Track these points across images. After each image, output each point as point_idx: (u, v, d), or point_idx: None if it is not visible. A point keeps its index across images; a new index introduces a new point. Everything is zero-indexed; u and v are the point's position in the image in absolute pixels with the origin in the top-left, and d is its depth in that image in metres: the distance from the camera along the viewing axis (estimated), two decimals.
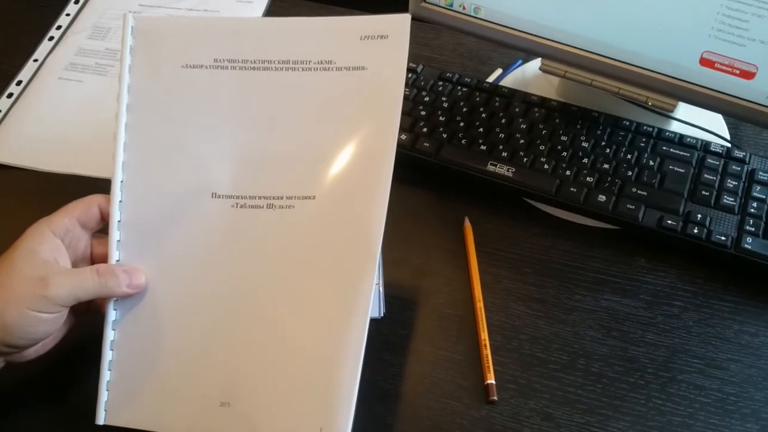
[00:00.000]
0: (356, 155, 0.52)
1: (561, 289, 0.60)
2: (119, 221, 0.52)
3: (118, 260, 0.52)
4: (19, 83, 0.77)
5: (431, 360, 0.57)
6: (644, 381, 0.55)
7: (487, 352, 0.56)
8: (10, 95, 0.76)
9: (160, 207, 0.52)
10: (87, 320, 0.52)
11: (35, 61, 0.80)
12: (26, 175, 0.69)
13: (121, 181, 0.52)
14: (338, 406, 0.48)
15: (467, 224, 0.64)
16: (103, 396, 0.50)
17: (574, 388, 0.55)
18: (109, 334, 0.51)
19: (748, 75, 0.58)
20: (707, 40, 0.58)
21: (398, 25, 0.53)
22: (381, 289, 0.60)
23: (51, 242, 0.49)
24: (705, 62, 0.59)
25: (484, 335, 0.57)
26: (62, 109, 0.75)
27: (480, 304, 0.58)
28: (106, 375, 0.50)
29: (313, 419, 0.48)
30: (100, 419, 0.50)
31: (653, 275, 0.61)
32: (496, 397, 0.54)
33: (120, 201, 0.52)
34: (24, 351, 0.50)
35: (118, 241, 0.51)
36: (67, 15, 0.85)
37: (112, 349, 0.51)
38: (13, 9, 0.87)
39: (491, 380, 0.55)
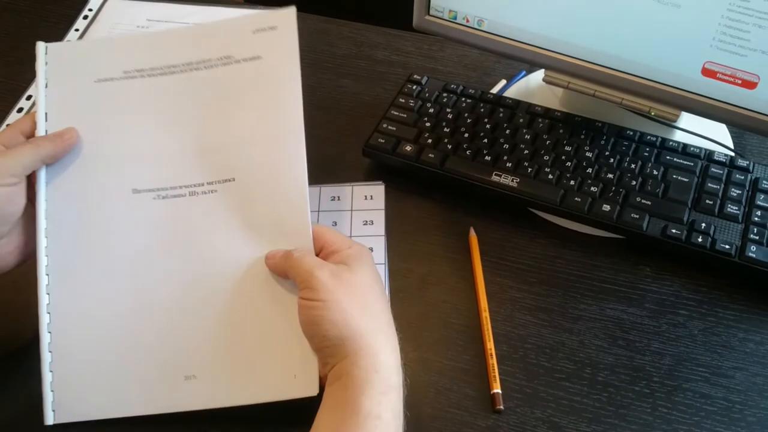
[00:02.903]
0: (267, 136, 0.56)
1: (566, 298, 0.61)
2: (45, 228, 0.55)
3: (46, 265, 0.54)
4: (29, 98, 0.78)
5: (437, 370, 0.57)
6: (650, 390, 0.55)
7: (493, 361, 0.56)
8: (20, 110, 0.77)
9: (84, 209, 0.55)
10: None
11: None
12: None
13: (44, 195, 0.55)
14: (306, 355, 0.51)
15: (472, 234, 0.64)
16: (48, 397, 0.53)
17: (579, 396, 0.55)
18: (45, 337, 0.53)
19: (750, 85, 0.59)
20: (709, 50, 0.59)
21: (285, 17, 0.57)
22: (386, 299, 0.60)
23: None
24: (707, 72, 0.60)
25: (490, 344, 0.57)
26: None
27: (486, 314, 0.59)
28: (48, 377, 0.53)
29: (286, 370, 0.52)
30: (49, 419, 0.52)
31: (658, 284, 0.61)
32: (502, 407, 0.54)
33: (45, 209, 0.55)
34: None
35: (46, 246, 0.54)
36: (76, 30, 0.86)
37: (50, 351, 0.53)
38: (23, 25, 0.88)
39: (497, 389, 0.55)
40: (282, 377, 0.52)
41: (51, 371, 0.53)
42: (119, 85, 0.58)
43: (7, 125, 0.57)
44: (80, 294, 0.54)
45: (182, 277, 0.54)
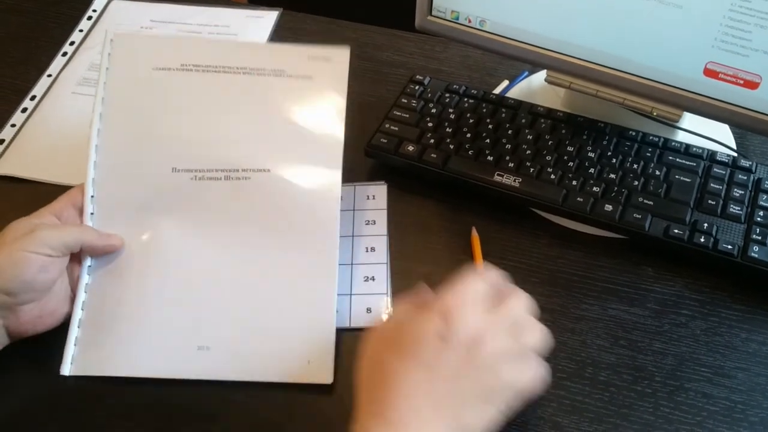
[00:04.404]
0: (308, 141, 0.61)
1: (568, 298, 0.61)
2: (92, 196, 0.60)
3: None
4: (33, 98, 0.79)
5: None
6: (652, 389, 0.55)
7: None
8: (24, 110, 0.77)
9: (127, 182, 0.60)
10: None
11: (49, 76, 0.81)
12: (41, 187, 0.70)
13: (94, 162, 0.60)
14: (321, 341, 0.55)
15: (474, 234, 0.64)
16: (70, 350, 0.56)
17: (581, 396, 0.55)
18: (81, 296, 0.57)
19: (752, 85, 0.59)
20: (711, 50, 0.59)
21: (341, 53, 0.63)
22: (388, 299, 0.61)
23: (47, 216, 0.56)
24: (709, 72, 0.60)
25: None
26: (75, 122, 0.76)
27: None
28: (74, 331, 0.56)
29: (301, 354, 0.55)
30: (66, 370, 0.55)
31: (660, 284, 0.61)
32: None
33: (93, 179, 0.60)
34: (22, 311, 0.53)
35: (92, 213, 0.59)
36: (81, 31, 0.86)
37: (82, 309, 0.57)
38: (28, 25, 0.88)
39: None
40: (295, 361, 0.54)
41: (79, 327, 0.56)
42: (175, 74, 0.62)
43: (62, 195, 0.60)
44: (115, 259, 0.58)
45: (210, 252, 0.58)
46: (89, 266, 0.58)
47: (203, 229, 0.59)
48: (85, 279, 0.58)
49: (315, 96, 0.62)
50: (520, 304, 0.48)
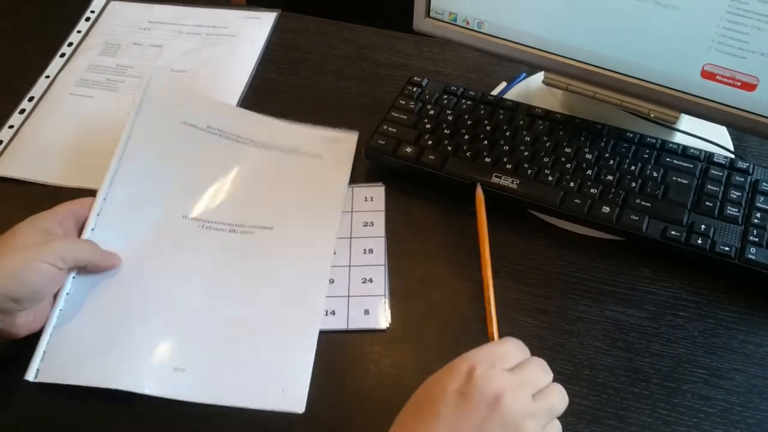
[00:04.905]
0: (311, 209, 0.66)
1: (566, 300, 0.61)
2: (98, 214, 0.62)
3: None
4: (31, 99, 0.78)
5: (436, 371, 0.57)
6: (649, 391, 0.55)
7: None
8: (22, 111, 0.77)
9: (136, 212, 0.64)
10: None
11: (47, 77, 0.81)
12: (38, 189, 0.70)
13: (110, 184, 0.64)
14: (297, 372, 0.56)
15: (479, 193, 0.64)
16: (39, 355, 0.55)
17: (579, 398, 0.55)
18: (60, 304, 0.57)
19: (749, 87, 0.59)
20: (708, 52, 0.59)
21: (349, 136, 0.72)
22: (386, 300, 0.61)
23: (51, 221, 0.57)
24: (706, 74, 0.60)
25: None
26: (73, 124, 0.76)
27: (490, 292, 0.59)
28: (46, 338, 0.56)
29: (274, 383, 0.55)
30: (31, 376, 0.54)
31: (657, 286, 0.61)
32: None
33: (104, 198, 0.63)
34: (19, 316, 0.53)
35: (92, 229, 0.61)
36: (79, 32, 0.86)
37: (58, 318, 0.57)
38: (26, 26, 0.88)
39: None
40: (269, 389, 0.55)
41: (51, 334, 0.56)
42: (200, 133, 0.69)
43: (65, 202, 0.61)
44: (101, 275, 0.60)
45: (198, 282, 0.61)
46: (73, 277, 0.59)
47: (196, 264, 0.62)
48: (67, 288, 0.58)
49: (322, 173, 0.69)
50: (539, 366, 0.48)
